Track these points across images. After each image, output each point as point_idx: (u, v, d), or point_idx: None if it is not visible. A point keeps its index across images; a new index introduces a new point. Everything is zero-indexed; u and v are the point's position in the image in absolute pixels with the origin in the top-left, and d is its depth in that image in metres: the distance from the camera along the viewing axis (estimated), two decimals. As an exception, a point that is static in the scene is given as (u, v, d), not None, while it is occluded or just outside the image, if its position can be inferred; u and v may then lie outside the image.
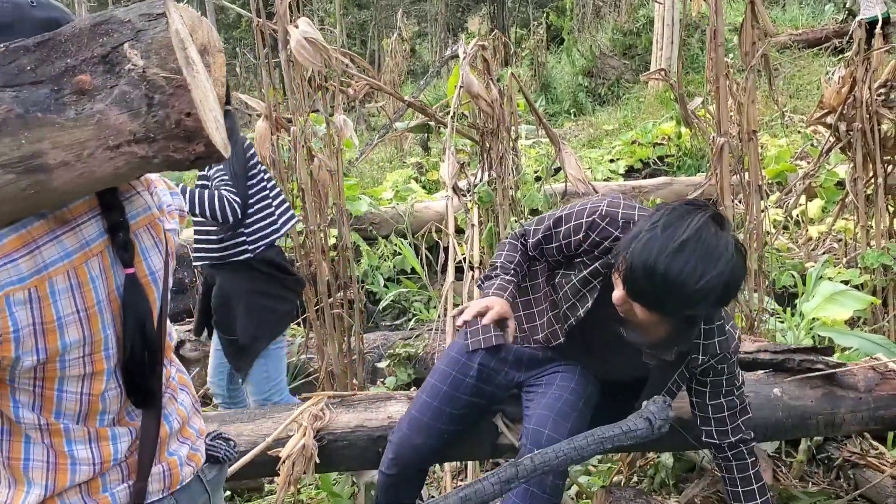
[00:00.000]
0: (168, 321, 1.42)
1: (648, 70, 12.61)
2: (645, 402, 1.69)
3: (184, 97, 1.02)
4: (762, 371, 2.52)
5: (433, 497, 2.78)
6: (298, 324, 4.48)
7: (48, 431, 1.21)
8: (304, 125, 3.53)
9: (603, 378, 2.29)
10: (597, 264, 2.05)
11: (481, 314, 2.05)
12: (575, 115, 12.49)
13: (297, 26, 3.36)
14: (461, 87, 4.15)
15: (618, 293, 1.84)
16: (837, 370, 2.43)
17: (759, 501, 2.12)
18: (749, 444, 2.13)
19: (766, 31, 2.95)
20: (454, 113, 4.04)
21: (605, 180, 6.84)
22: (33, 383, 1.17)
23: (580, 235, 2.06)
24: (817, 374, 2.42)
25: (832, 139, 3.93)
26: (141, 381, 1.26)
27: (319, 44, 3.32)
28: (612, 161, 7.53)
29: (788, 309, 3.72)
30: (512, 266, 2.24)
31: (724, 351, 2.03)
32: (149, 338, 1.24)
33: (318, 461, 2.45)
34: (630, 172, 7.38)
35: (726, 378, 2.07)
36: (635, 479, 2.85)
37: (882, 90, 3.76)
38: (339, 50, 3.62)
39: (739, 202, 3.25)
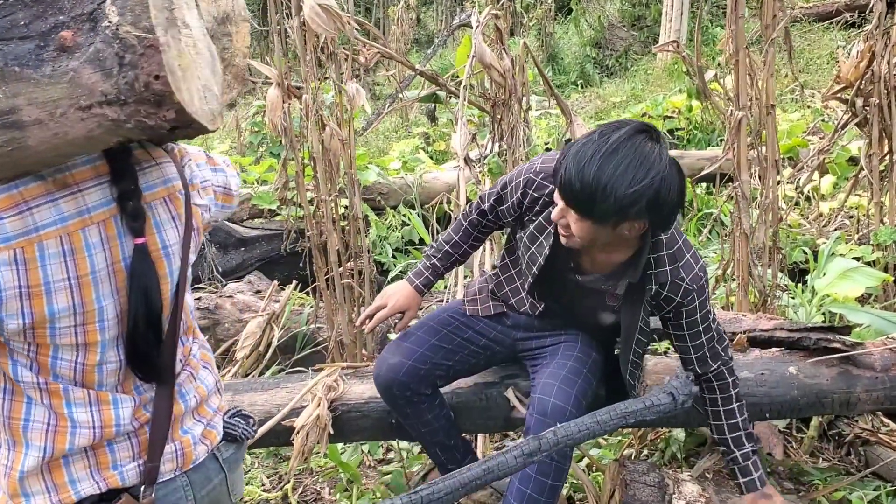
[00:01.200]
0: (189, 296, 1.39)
1: (657, 42, 12.50)
2: (667, 378, 1.69)
3: (154, 58, 0.98)
4: (777, 349, 2.51)
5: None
6: (307, 293, 4.49)
7: (47, 392, 1.20)
8: (315, 93, 3.50)
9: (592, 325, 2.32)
10: (541, 218, 2.14)
11: (374, 312, 2.42)
12: (582, 87, 12.39)
13: (310, -8, 3.32)
14: (473, 56, 4.12)
15: (555, 209, 1.91)
16: (854, 351, 2.42)
17: (738, 420, 2.17)
18: (728, 364, 2.17)
19: (787, 3, 2.90)
20: (466, 83, 4.01)
21: (614, 153, 6.79)
22: (27, 347, 1.17)
23: (519, 193, 2.17)
24: (834, 355, 2.40)
25: (848, 115, 3.89)
26: (145, 355, 1.24)
27: (333, 10, 3.28)
28: (621, 134, 7.47)
29: (800, 285, 3.71)
30: (445, 247, 2.45)
31: (685, 283, 2.02)
32: (153, 312, 1.22)
33: (331, 432, 2.47)
34: (639, 145, 7.32)
35: (700, 316, 2.09)
36: (646, 452, 2.86)
37: (901, 65, 3.72)
38: (352, 17, 3.57)
39: (754, 176, 3.22)
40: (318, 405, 2.47)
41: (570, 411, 2.08)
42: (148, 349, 1.24)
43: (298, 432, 2.44)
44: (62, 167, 1.14)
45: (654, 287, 2.04)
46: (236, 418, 1.50)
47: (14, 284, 1.09)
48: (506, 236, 2.46)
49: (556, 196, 1.89)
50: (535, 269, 2.20)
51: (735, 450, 2.18)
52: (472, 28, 5.69)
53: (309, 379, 2.62)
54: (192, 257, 1.33)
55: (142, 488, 1.28)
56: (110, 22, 0.98)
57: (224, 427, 1.46)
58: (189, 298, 1.37)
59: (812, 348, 2.44)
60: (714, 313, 2.16)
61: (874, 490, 2.52)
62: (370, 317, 2.48)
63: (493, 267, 2.54)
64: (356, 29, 3.51)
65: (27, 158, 1.03)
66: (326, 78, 3.86)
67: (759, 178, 3.38)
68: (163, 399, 1.29)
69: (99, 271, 1.16)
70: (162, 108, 1.00)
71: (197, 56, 1.07)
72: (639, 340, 2.16)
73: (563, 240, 1.98)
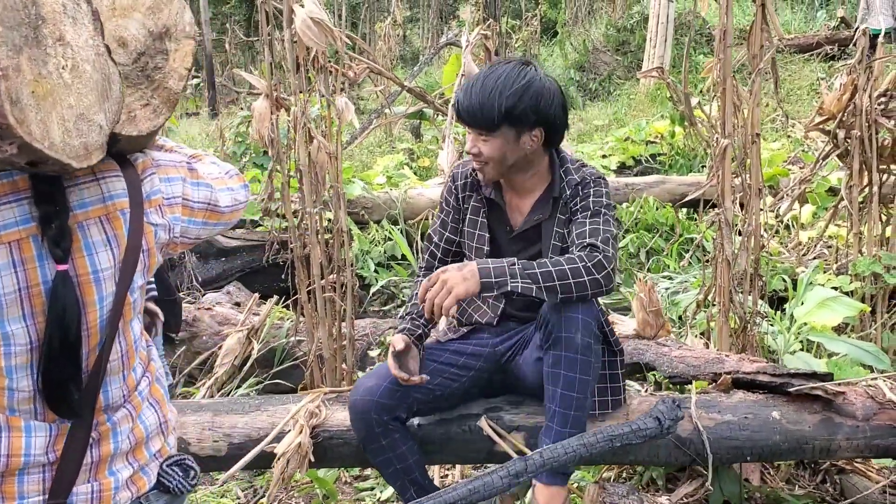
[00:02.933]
0: (141, 321, 1.31)
1: (641, 67, 12.64)
2: (655, 402, 1.69)
3: None
4: (761, 393, 2.53)
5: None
6: (287, 306, 4.46)
7: None
8: (304, 105, 3.49)
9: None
10: (472, 201, 2.40)
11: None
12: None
13: (302, 5, 3.32)
14: (462, 74, 4.14)
15: (467, 140, 2.25)
16: (836, 398, 2.43)
17: (548, 263, 2.10)
18: (596, 251, 2.14)
19: (776, 34, 2.95)
20: (455, 100, 4.02)
21: (596, 176, 6.85)
22: None
23: (451, 193, 2.44)
24: (816, 393, 2.42)
25: (830, 146, 3.95)
26: (58, 388, 1.15)
27: (325, 24, 3.28)
28: (604, 157, 7.54)
29: (779, 313, 3.75)
30: (413, 314, 2.45)
31: (583, 176, 2.30)
32: (70, 343, 1.13)
33: (312, 459, 2.45)
34: (622, 169, 7.40)
35: (592, 201, 2.26)
36: (625, 475, 2.86)
37: (882, 99, 3.78)
38: (344, 32, 3.58)
39: (737, 204, 3.26)
40: (301, 432, 2.44)
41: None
42: (62, 382, 1.14)
43: (279, 459, 2.41)
44: None
45: (567, 192, 2.30)
46: (175, 468, 1.38)
47: None
48: None
49: (462, 126, 2.25)
50: (485, 247, 2.39)
51: (521, 260, 2.15)
52: (459, 47, 5.72)
53: (291, 403, 2.59)
54: (139, 281, 1.24)
55: None
56: None
57: (159, 475, 1.36)
58: (136, 326, 1.29)
59: (794, 394, 2.45)
60: (613, 218, 2.29)
61: (849, 519, 2.54)
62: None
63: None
64: (347, 43, 3.52)
65: None
66: (314, 91, 3.86)
67: (742, 205, 3.42)
68: (77, 435, 1.20)
69: (6, 295, 1.08)
70: (4, 140, 0.89)
71: (73, 80, 0.96)
72: (554, 247, 2.32)
73: (480, 176, 2.30)
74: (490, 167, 2.24)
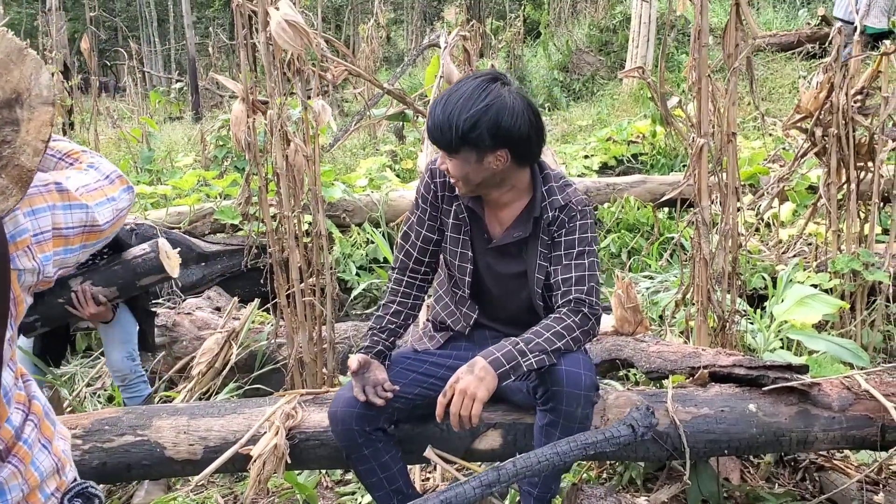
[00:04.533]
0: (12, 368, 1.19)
1: (624, 67, 12.67)
2: (629, 409, 1.68)
3: None
4: (737, 386, 2.53)
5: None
6: (267, 310, 4.43)
7: None
8: (280, 109, 3.47)
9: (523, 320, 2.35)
10: (453, 208, 2.34)
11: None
12: (549, 110, 12.50)
13: (277, 8, 3.30)
14: (441, 76, 4.13)
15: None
16: (811, 389, 2.43)
17: (548, 333, 2.14)
18: (581, 306, 2.20)
19: (750, 34, 2.95)
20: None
21: (579, 176, 6.86)
22: None
23: (427, 191, 2.38)
24: (792, 385, 2.41)
25: (808, 144, 3.96)
26: None
27: (300, 27, 3.27)
28: (586, 157, 7.55)
29: (758, 311, 3.75)
30: (376, 329, 2.45)
31: (568, 202, 2.26)
32: None
33: (289, 461, 2.42)
34: (604, 169, 7.41)
35: (578, 238, 2.26)
36: (605, 476, 2.86)
37: (858, 97, 3.80)
38: (320, 34, 3.57)
39: (715, 203, 3.26)
40: (276, 434, 2.42)
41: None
42: None
43: (255, 461, 2.39)
44: None
45: (550, 213, 2.26)
46: (76, 500, 1.28)
47: None
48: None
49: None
50: (467, 265, 2.36)
51: (520, 338, 2.15)
52: (439, 48, 5.70)
53: (267, 405, 2.56)
54: (7, 333, 1.11)
55: None
56: None
57: None
58: (7, 377, 1.16)
59: (770, 388, 2.45)
60: (596, 257, 2.31)
61: (828, 516, 2.54)
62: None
63: (429, 308, 2.63)
64: (323, 46, 3.50)
65: None
66: (293, 94, 3.84)
67: (720, 204, 3.43)
68: None
69: None
70: None
71: None
72: (538, 280, 2.30)
73: (457, 190, 2.27)
74: (460, 184, 2.22)
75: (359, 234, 5.47)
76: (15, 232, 1.09)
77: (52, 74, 0.97)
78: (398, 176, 7.07)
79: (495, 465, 1.45)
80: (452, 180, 2.22)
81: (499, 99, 2.08)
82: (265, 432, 2.46)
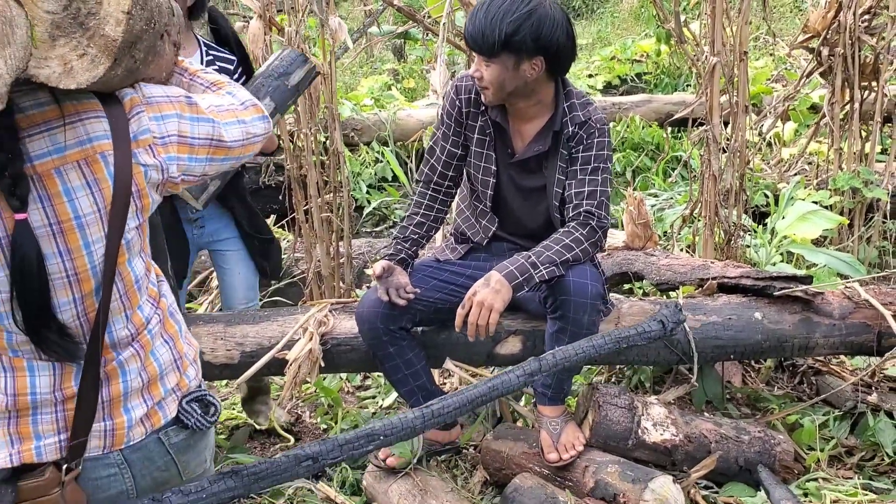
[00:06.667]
0: (144, 259, 1.29)
1: (625, -16, 12.48)
2: (658, 307, 1.82)
3: None
4: (743, 296, 2.67)
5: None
6: (283, 227, 4.55)
7: None
8: (297, 25, 3.51)
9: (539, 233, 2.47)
10: (478, 124, 2.42)
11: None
12: (549, 28, 12.34)
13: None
14: (453, -6, 4.14)
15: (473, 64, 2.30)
16: (815, 298, 2.58)
17: (558, 246, 2.27)
18: (590, 219, 2.33)
19: (765, -47, 2.99)
20: (447, 21, 4.04)
21: (583, 95, 6.90)
22: None
23: (453, 107, 2.45)
24: (796, 294, 2.55)
25: (814, 63, 4.03)
26: (36, 332, 1.15)
27: (318, -57, 3.28)
28: (590, 76, 7.56)
29: (760, 227, 3.89)
30: (400, 238, 2.56)
31: (588, 118, 2.35)
32: (33, 289, 1.13)
33: (322, 364, 2.58)
34: (608, 88, 7.44)
35: (595, 154, 2.36)
36: (614, 380, 3.03)
37: (866, 16, 3.85)
38: (336, -50, 3.58)
39: (726, 125, 3.36)
40: (311, 339, 2.57)
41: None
42: (38, 330, 1.15)
43: (291, 365, 2.54)
44: None
45: (570, 129, 2.35)
46: (194, 404, 1.36)
47: None
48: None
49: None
50: (490, 178, 2.45)
51: (531, 251, 2.29)
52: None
53: (299, 313, 2.70)
54: (132, 223, 1.21)
55: (64, 466, 1.22)
56: None
57: (178, 411, 1.35)
58: (138, 265, 1.27)
59: (776, 296, 2.59)
60: (610, 174, 2.42)
61: (823, 415, 2.72)
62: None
63: (454, 219, 2.73)
64: (340, -37, 3.51)
65: None
66: (311, 12, 3.87)
67: (727, 123, 3.52)
68: (88, 374, 1.21)
69: None
70: None
71: None
72: (556, 194, 2.40)
73: (483, 97, 2.34)
74: (490, 91, 2.28)
75: (367, 152, 5.54)
76: (139, 131, 1.19)
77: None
78: (402, 94, 7.08)
79: (536, 357, 1.59)
80: (482, 87, 2.30)
81: (541, 6, 2.17)
82: (299, 338, 2.62)
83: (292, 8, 3.45)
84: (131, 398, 1.28)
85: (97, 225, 1.16)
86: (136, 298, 1.27)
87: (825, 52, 3.92)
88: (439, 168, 2.55)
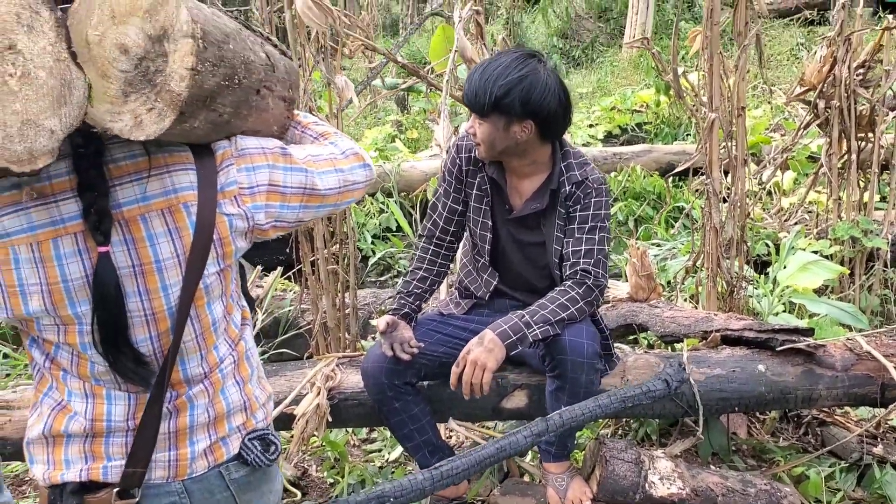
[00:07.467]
0: (225, 302, 1.36)
1: (623, 34, 12.71)
2: (663, 365, 1.85)
3: None
4: (747, 348, 2.70)
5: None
6: (289, 278, 4.59)
7: (52, 375, 1.27)
8: (304, 84, 3.60)
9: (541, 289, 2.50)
10: (477, 181, 2.49)
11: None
12: (549, 77, 12.52)
13: (302, -14, 3.41)
14: (455, 50, 4.24)
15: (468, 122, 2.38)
16: (817, 350, 2.61)
17: (553, 305, 2.28)
18: (587, 278, 2.34)
19: (759, 13, 3.08)
20: (449, 76, 4.14)
21: (584, 145, 7.00)
22: (29, 334, 1.22)
23: (454, 165, 2.52)
24: (798, 346, 2.58)
25: (811, 115, 4.11)
26: (114, 362, 1.22)
27: (324, 5, 3.38)
28: (590, 126, 7.68)
29: (762, 276, 3.93)
30: (403, 293, 2.61)
31: (585, 178, 2.39)
32: (112, 322, 1.20)
33: (330, 419, 2.60)
34: (608, 138, 7.54)
35: (592, 214, 2.39)
36: (620, 433, 3.04)
37: (860, 70, 3.94)
38: (342, 11, 3.68)
39: (726, 174, 3.41)
40: (318, 394, 2.59)
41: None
42: (116, 357, 1.22)
43: (299, 420, 2.56)
44: (43, 177, 1.14)
45: (567, 188, 2.40)
46: (255, 441, 1.41)
47: None
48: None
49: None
50: (488, 233, 2.50)
51: (526, 310, 2.30)
52: (441, 17, 5.75)
53: (307, 368, 2.73)
54: (212, 268, 1.28)
55: (114, 490, 1.28)
56: None
57: (241, 447, 1.40)
58: (217, 309, 1.33)
59: (778, 349, 2.62)
60: (608, 232, 2.46)
61: (829, 467, 2.73)
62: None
63: (457, 274, 2.78)
64: (345, 23, 3.61)
65: None
66: (315, 68, 3.96)
67: (726, 173, 3.57)
68: (153, 406, 1.27)
69: (73, 280, 1.17)
70: None
71: (22, 87, 1.01)
72: (555, 250, 2.43)
73: (477, 153, 2.40)
74: (483, 148, 2.35)
75: (371, 203, 5.61)
76: (226, 183, 1.27)
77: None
78: (406, 146, 7.18)
79: (544, 417, 1.61)
80: (476, 143, 2.37)
81: (534, 73, 2.23)
82: (307, 393, 2.64)
83: (300, 66, 3.54)
84: (197, 432, 1.34)
85: (175, 269, 1.23)
86: (211, 339, 1.33)
87: (821, 104, 4.00)
88: (441, 223, 2.61)
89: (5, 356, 3.78)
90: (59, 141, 1.05)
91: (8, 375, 3.69)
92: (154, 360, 1.27)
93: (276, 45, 1.39)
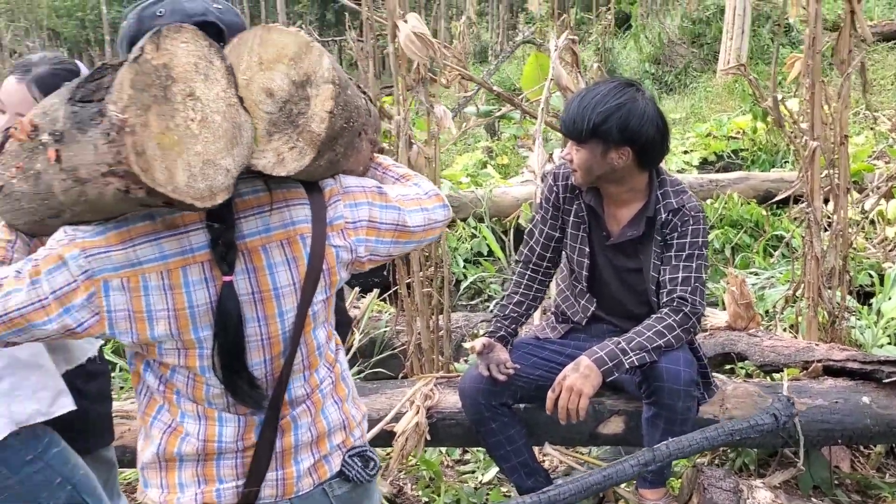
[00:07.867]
0: (327, 328, 1.45)
1: (717, 59, 12.54)
2: (762, 394, 1.86)
3: (122, 138, 1.01)
4: (850, 379, 2.65)
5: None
6: (384, 300, 4.72)
7: (165, 398, 1.34)
8: (405, 114, 3.73)
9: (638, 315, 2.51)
10: (574, 208, 2.53)
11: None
12: (641, 103, 12.44)
13: (405, 21, 3.55)
14: (551, 78, 4.32)
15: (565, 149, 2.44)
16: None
17: (650, 332, 2.30)
18: (690, 306, 2.34)
19: (863, 39, 3.05)
20: (544, 104, 4.21)
21: (679, 171, 6.94)
22: (149, 357, 1.31)
23: (551, 193, 2.57)
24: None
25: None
26: (231, 385, 1.29)
27: (427, 38, 3.51)
28: (685, 153, 7.60)
29: (865, 307, 3.83)
30: (500, 316, 2.66)
31: (682, 206, 2.40)
32: (231, 346, 1.26)
33: (428, 438, 2.67)
34: (704, 164, 7.45)
35: (689, 242, 2.39)
36: (717, 462, 3.01)
37: (972, 96, 3.82)
38: (441, 43, 3.80)
39: (826, 202, 3.36)
40: (417, 412, 2.67)
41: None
42: (232, 380, 1.28)
43: (399, 437, 2.65)
44: (175, 209, 1.21)
45: (663, 216, 2.41)
46: (356, 458, 1.47)
47: (123, 308, 1.23)
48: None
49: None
50: (585, 259, 2.54)
51: (622, 337, 2.31)
52: (533, 45, 5.82)
53: (406, 387, 2.82)
54: (320, 296, 1.36)
55: None
56: (103, 98, 1.04)
57: (341, 465, 1.45)
58: (320, 334, 1.41)
59: (885, 381, 2.56)
60: (705, 260, 2.45)
61: (939, 505, 2.64)
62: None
63: (554, 299, 2.81)
64: (446, 55, 3.74)
65: (61, 207, 1.15)
66: (415, 99, 4.10)
67: (827, 201, 3.51)
68: (267, 428, 1.34)
69: (198, 306, 1.25)
70: (136, 183, 1.03)
71: (201, 130, 1.08)
72: (652, 277, 2.44)
73: (573, 178, 2.45)
74: (579, 174, 2.40)
75: (464, 228, 5.71)
76: (334, 217, 1.36)
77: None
78: (497, 171, 7.27)
79: (651, 448, 1.64)
80: (573, 169, 2.42)
81: (632, 101, 2.28)
82: (406, 411, 2.72)
83: (401, 98, 3.67)
84: (301, 451, 1.40)
85: (291, 296, 1.31)
86: (315, 362, 1.42)
87: (929, 131, 3.89)
88: (538, 249, 2.66)
89: (121, 369, 4.01)
90: (233, 178, 1.14)
91: (122, 388, 3.92)
92: (265, 382, 1.35)
93: (364, 92, 1.49)
